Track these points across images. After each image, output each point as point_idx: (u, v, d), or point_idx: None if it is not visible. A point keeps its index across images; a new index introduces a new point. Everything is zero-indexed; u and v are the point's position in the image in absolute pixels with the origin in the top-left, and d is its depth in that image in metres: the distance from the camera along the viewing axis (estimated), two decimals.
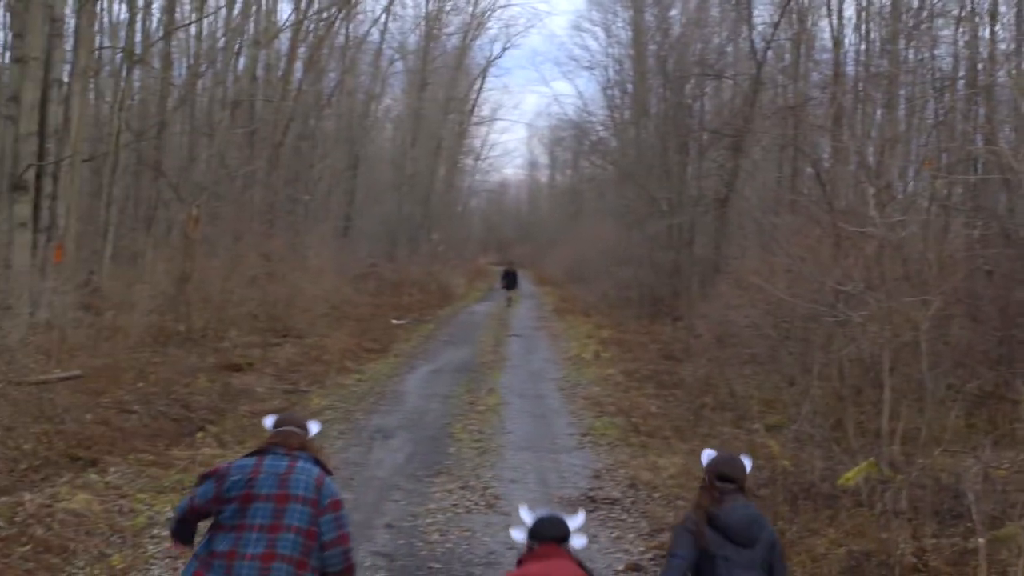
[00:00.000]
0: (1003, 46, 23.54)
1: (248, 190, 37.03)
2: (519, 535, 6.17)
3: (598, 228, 60.61)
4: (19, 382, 14.90)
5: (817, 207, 19.84)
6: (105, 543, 10.31)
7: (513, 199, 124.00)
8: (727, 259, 29.77)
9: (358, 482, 13.46)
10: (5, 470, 12.36)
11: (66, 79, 23.28)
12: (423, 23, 63.17)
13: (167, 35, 34.29)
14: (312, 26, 41.33)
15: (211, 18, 39.19)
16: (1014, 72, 21.35)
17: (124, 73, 32.28)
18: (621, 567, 10.32)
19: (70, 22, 25.81)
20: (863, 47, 31.42)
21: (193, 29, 39.07)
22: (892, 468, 12.07)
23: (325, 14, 41.46)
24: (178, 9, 35.61)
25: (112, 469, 13.14)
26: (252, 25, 39.51)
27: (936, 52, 25.59)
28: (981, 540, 8.81)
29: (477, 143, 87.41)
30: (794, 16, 31.86)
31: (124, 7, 35.41)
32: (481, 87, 75.53)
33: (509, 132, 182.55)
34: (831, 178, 21.22)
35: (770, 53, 33.11)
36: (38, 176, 21.06)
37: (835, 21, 30.42)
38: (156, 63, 34.84)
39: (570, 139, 79.26)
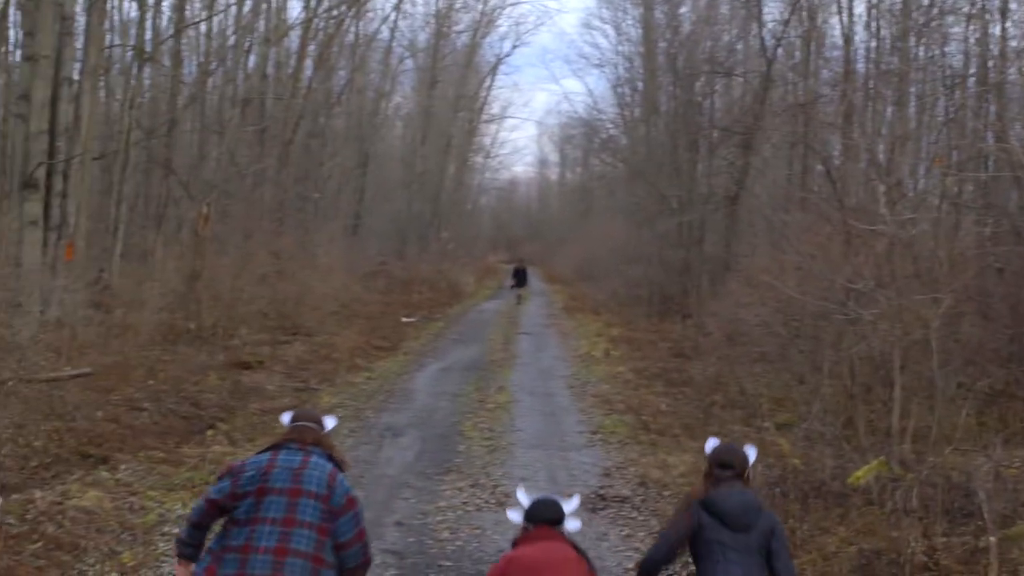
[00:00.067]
0: (1014, 43, 23.48)
1: (258, 188, 37.08)
2: (516, 516, 6.30)
3: (608, 226, 60.57)
4: (30, 379, 14.93)
5: (827, 205, 19.82)
6: (116, 540, 10.32)
7: (523, 197, 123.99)
8: (737, 257, 29.74)
9: (368, 480, 13.46)
10: (16, 467, 12.38)
11: (76, 77, 23.32)
12: (433, 21, 63.22)
13: (177, 33, 34.32)
14: (322, 24, 41.37)
15: (221, 16, 39.28)
16: None
17: (134, 71, 32.35)
18: (631, 565, 10.29)
19: (80, 20, 25.85)
20: (873, 44, 31.35)
21: (203, 27, 39.15)
22: (903, 466, 12.04)
23: (335, 12, 41.47)
24: (188, 7, 35.69)
25: (123, 466, 13.16)
26: (262, 23, 39.62)
27: (947, 49, 25.58)
28: (992, 539, 8.80)
29: (487, 141, 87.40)
30: (804, 13, 31.82)
31: (134, 5, 35.50)
32: (491, 85, 75.53)
33: (519, 130, 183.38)
34: (841, 176, 21.21)
35: (780, 50, 33.09)
36: (49, 174, 21.12)
37: (845, 18, 30.39)
38: (166, 61, 34.87)
39: (580, 137, 79.34)
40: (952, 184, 20.18)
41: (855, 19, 31.34)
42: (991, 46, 23.98)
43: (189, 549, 6.45)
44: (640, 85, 53.53)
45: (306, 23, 40.38)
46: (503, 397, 20.85)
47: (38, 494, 11.28)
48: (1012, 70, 21.91)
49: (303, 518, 6.14)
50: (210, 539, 6.41)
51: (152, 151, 33.66)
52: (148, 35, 34.30)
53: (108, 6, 28.92)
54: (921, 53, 26.42)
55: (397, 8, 54.59)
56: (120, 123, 31.33)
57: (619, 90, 58.43)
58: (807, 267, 16.19)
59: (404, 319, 36.33)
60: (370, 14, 51.17)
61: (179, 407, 16.94)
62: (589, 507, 12.48)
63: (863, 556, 9.57)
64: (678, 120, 40.85)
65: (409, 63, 64.54)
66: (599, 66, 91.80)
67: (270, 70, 40.52)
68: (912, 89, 26.00)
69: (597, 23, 73.46)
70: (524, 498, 6.44)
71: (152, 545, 10.28)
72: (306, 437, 6.54)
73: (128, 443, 14.27)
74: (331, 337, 27.84)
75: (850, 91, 23.95)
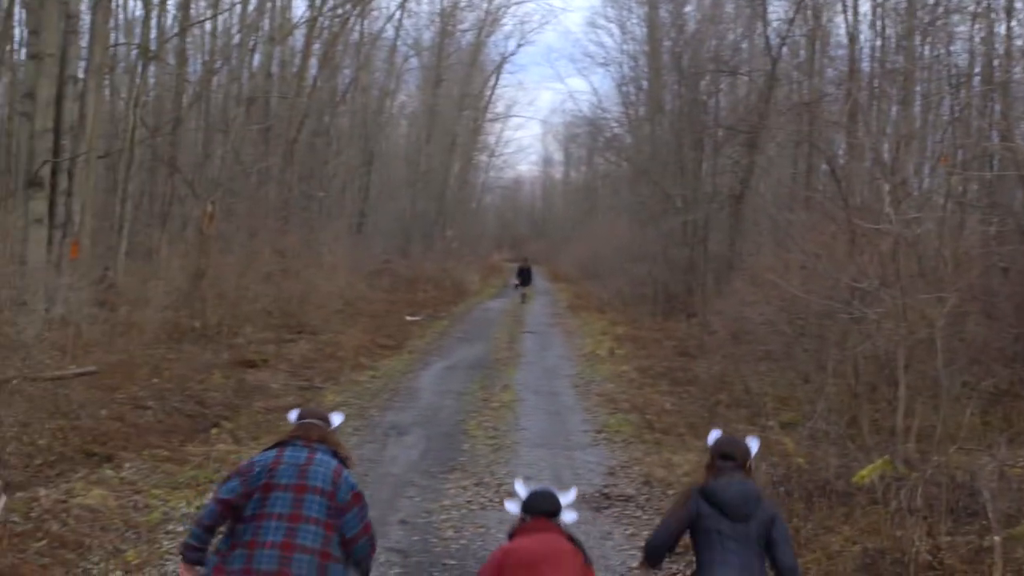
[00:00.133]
0: (1019, 42, 23.56)
1: (263, 186, 37.12)
2: (514, 507, 6.46)
3: (613, 224, 60.55)
4: (34, 378, 14.94)
5: (832, 203, 19.80)
6: (120, 539, 10.33)
7: (527, 195, 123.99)
8: (742, 256, 29.74)
9: (372, 478, 13.46)
10: (21, 466, 12.39)
11: (81, 75, 23.37)
12: (438, 19, 63.27)
13: (182, 31, 34.38)
14: (327, 22, 41.40)
15: (226, 14, 39.34)
16: None
17: (139, 69, 32.38)
18: (635, 564, 10.29)
19: (85, 19, 25.92)
20: (878, 43, 31.38)
21: (208, 25, 39.23)
22: (907, 465, 12.03)
23: (340, 10, 41.51)
24: (193, 5, 35.77)
25: (127, 465, 13.17)
26: (267, 21, 39.66)
27: (952, 48, 25.55)
28: (997, 538, 8.79)
29: (492, 139, 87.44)
30: (809, 12, 31.80)
31: (139, 3, 35.66)
32: (496, 83, 75.52)
33: (524, 128, 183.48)
34: (846, 174, 21.18)
35: (785, 49, 33.05)
36: (53, 172, 21.14)
37: (850, 17, 30.42)
38: (171, 59, 34.93)
39: (585, 135, 79.14)
40: (957, 183, 20.16)
41: (860, 18, 31.30)
42: (996, 45, 23.99)
43: (197, 553, 6.45)
44: (645, 84, 53.52)
45: (311, 22, 40.42)
46: (508, 396, 20.84)
47: (43, 492, 11.29)
48: (1017, 69, 21.91)
49: (309, 514, 6.23)
50: (216, 541, 6.48)
51: (157, 149, 33.70)
52: (153, 33, 34.33)
53: (113, 4, 29.00)
54: (926, 52, 26.42)
55: (402, 7, 54.63)
56: (125, 121, 31.35)
57: (624, 89, 58.42)
58: (812, 266, 16.19)
59: (409, 317, 36.34)
60: (375, 13, 51.28)
61: (183, 405, 16.95)
62: (594, 506, 12.49)
63: (867, 555, 9.56)
64: (683, 119, 40.82)
65: (414, 62, 64.63)
66: (604, 65, 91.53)
67: (275, 69, 40.54)
68: (917, 88, 25.99)
69: (602, 22, 73.67)
70: (522, 489, 6.53)
71: (156, 543, 10.29)
72: (311, 434, 6.65)
73: (132, 441, 14.29)
74: (336, 335, 27.84)
75: (855, 90, 23.90)
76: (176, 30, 34.84)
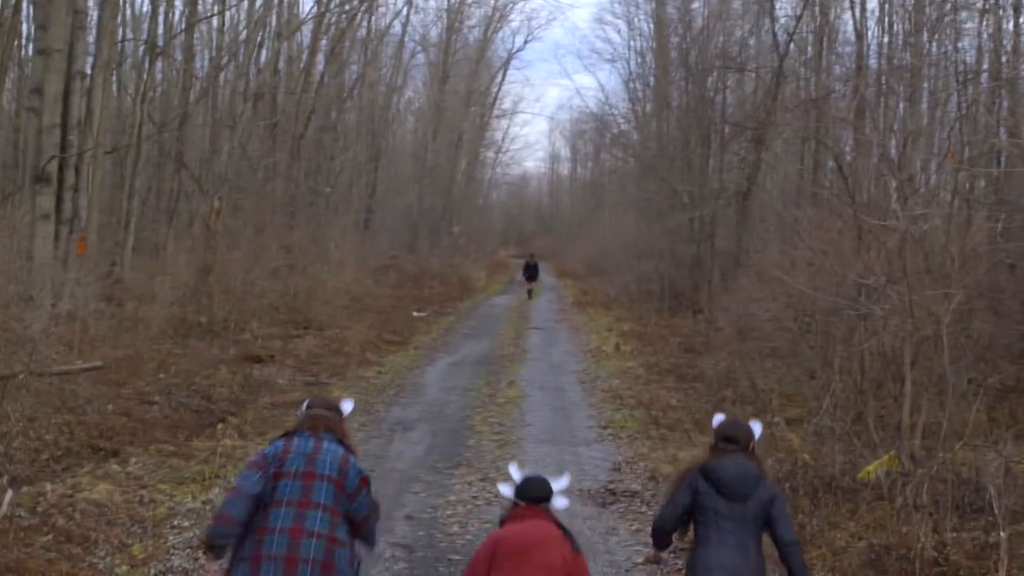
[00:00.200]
0: None
1: (270, 182, 37.15)
2: (507, 491, 6.60)
3: (619, 221, 60.56)
4: (41, 373, 14.95)
5: (839, 200, 19.79)
6: (126, 533, 10.35)
7: (534, 192, 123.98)
8: (748, 252, 29.70)
9: (378, 474, 13.44)
10: (27, 460, 12.41)
11: (89, 71, 23.36)
12: (445, 15, 63.23)
13: (189, 27, 34.40)
14: (334, 18, 41.39)
15: (233, 10, 39.39)
16: None
17: (146, 65, 32.40)
18: (640, 560, 10.30)
19: (93, 14, 25.92)
20: (886, 40, 31.38)
21: (215, 21, 39.24)
22: (913, 462, 12.03)
23: (347, 6, 41.48)
24: (200, 2, 35.79)
25: (133, 460, 13.19)
26: (274, 17, 39.65)
27: (959, 45, 25.55)
28: (1003, 534, 8.79)
29: (498, 136, 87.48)
30: (817, 9, 31.82)
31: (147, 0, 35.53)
32: (503, 80, 75.55)
33: (530, 125, 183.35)
34: (853, 171, 21.18)
35: (792, 46, 33.05)
36: (60, 168, 21.14)
37: (858, 14, 30.36)
38: (178, 55, 34.96)
39: (592, 132, 79.13)
40: (964, 180, 20.14)
41: (868, 14, 31.25)
42: (1004, 41, 23.94)
43: (224, 550, 6.55)
44: (652, 80, 53.49)
45: (318, 18, 40.41)
46: (513, 392, 20.84)
47: (49, 487, 11.32)
48: None
49: (318, 500, 6.46)
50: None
51: (164, 145, 33.73)
52: (160, 29, 34.40)
53: (120, 0, 28.97)
54: (934, 48, 26.42)
55: (409, 3, 54.61)
56: (132, 117, 31.43)
57: (631, 85, 58.46)
58: (818, 263, 16.16)
59: (415, 313, 36.34)
60: (382, 9, 51.26)
61: (190, 401, 16.98)
62: (599, 501, 12.50)
63: (873, 551, 9.57)
64: (690, 115, 40.82)
65: (421, 58, 64.63)
66: (611, 61, 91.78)
67: (282, 64, 40.58)
68: (925, 84, 26.01)
69: (609, 18, 73.58)
70: (516, 474, 6.67)
71: (162, 538, 10.31)
72: (318, 425, 6.86)
73: (139, 436, 14.31)
74: (342, 331, 27.85)
75: (862, 87, 23.91)
76: (183, 26, 34.88)
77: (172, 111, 34.87)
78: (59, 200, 21.21)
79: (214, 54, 38.77)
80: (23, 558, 9.14)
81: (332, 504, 6.51)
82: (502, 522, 6.52)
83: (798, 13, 32.07)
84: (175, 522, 10.86)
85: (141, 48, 34.37)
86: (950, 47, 25.47)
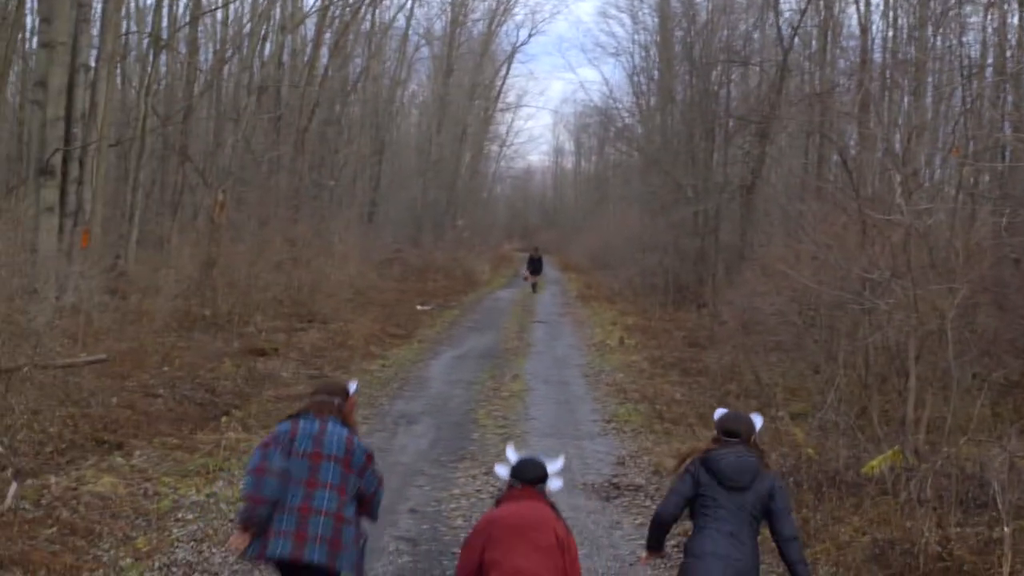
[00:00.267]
0: None
1: (274, 175, 37.15)
2: (503, 472, 6.83)
3: (623, 215, 60.52)
4: (45, 366, 14.97)
5: (843, 194, 19.76)
6: (130, 526, 10.36)
7: (538, 185, 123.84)
8: (753, 246, 29.70)
9: (382, 467, 13.32)
10: (31, 453, 12.43)
11: (93, 64, 23.38)
12: (449, 9, 63.20)
13: (193, 20, 34.39)
14: (338, 12, 41.39)
15: (237, 3, 39.38)
16: None
17: (151, 58, 32.46)
18: (644, 554, 10.29)
19: (97, 7, 25.95)
20: (890, 34, 31.33)
21: (219, 14, 39.28)
22: (917, 457, 12.03)
23: (351, 0, 41.46)
24: None
25: (137, 452, 13.20)
26: (278, 10, 39.63)
27: (964, 39, 25.45)
28: (1006, 529, 8.78)
29: (502, 129, 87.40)
30: (821, 3, 31.77)
31: None
32: (507, 73, 75.46)
33: (535, 118, 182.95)
34: (857, 165, 21.15)
35: (797, 40, 33.03)
36: (65, 161, 21.17)
37: (862, 7, 30.33)
38: (182, 48, 34.95)
39: (596, 126, 79.17)
40: (969, 174, 20.10)
41: (872, 8, 31.26)
42: (1009, 35, 23.84)
43: (259, 528, 6.82)
44: (656, 74, 53.48)
45: (322, 11, 40.40)
46: (517, 385, 20.84)
47: (53, 480, 11.33)
48: None
49: (325, 479, 6.86)
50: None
51: (168, 138, 33.76)
52: (164, 22, 34.42)
53: None
54: (939, 42, 26.36)
55: None
56: (136, 110, 31.44)
57: (635, 79, 58.39)
58: (823, 257, 16.16)
59: (419, 307, 36.34)
60: (386, 2, 51.25)
61: (194, 394, 16.99)
62: (603, 495, 12.51)
63: (877, 546, 9.57)
64: (694, 109, 40.79)
65: (425, 51, 64.66)
66: (615, 55, 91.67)
67: (286, 58, 40.57)
68: (929, 79, 25.93)
69: (613, 11, 73.65)
70: (512, 455, 6.88)
71: (166, 531, 10.32)
72: (323, 408, 7.18)
73: (143, 429, 14.32)
74: (346, 324, 27.85)
75: (867, 80, 23.87)
76: (187, 19, 34.87)
77: (176, 104, 34.90)
78: (63, 193, 21.23)
79: (218, 47, 38.83)
80: (27, 550, 9.16)
81: (339, 483, 6.89)
82: (498, 502, 6.72)
83: (802, 7, 32.04)
84: (179, 515, 10.87)
85: (145, 41, 34.42)
86: (955, 41, 25.39)
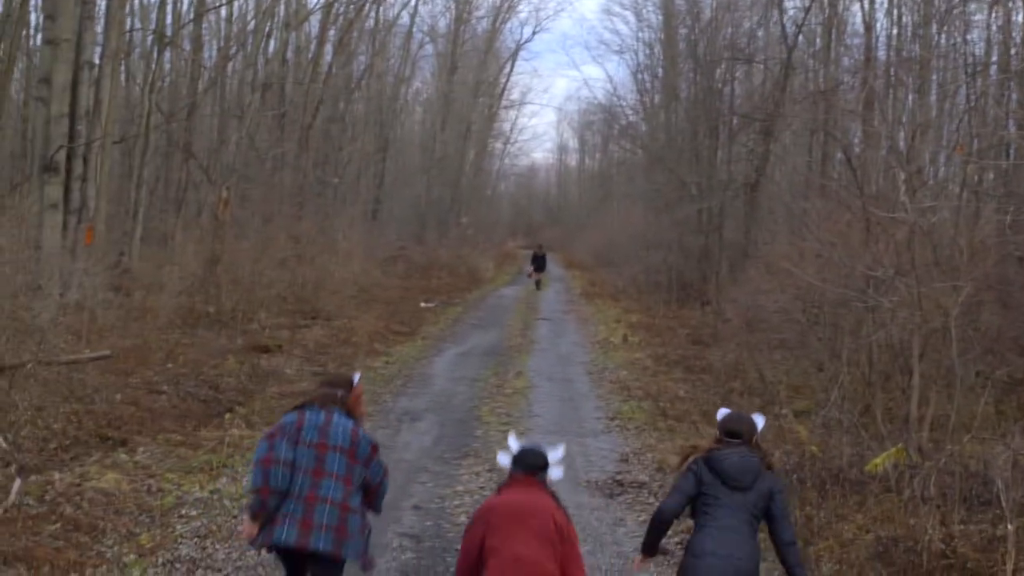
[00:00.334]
0: None
1: (278, 172, 37.17)
2: (504, 460, 6.92)
3: (627, 212, 60.54)
4: (49, 362, 14.99)
5: (847, 192, 19.76)
6: (134, 522, 10.37)
7: (542, 183, 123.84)
8: (757, 244, 29.70)
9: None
10: (35, 449, 12.44)
11: (97, 61, 23.39)
12: (453, 6, 63.24)
13: (198, 17, 34.39)
14: (342, 9, 41.42)
15: (241, 0, 39.32)
16: None
17: (155, 55, 32.44)
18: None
19: (101, 4, 25.93)
20: (895, 32, 31.30)
21: (224, 11, 39.31)
22: (921, 454, 12.02)
23: None
24: None
25: (141, 449, 13.21)
26: (282, 7, 39.64)
27: (969, 37, 25.47)
28: (1010, 527, 8.77)
29: (506, 127, 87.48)
30: (825, 0, 31.71)
31: None
32: (511, 71, 75.50)
33: (539, 116, 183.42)
34: (862, 163, 21.13)
35: (801, 38, 33.00)
36: (69, 158, 21.17)
37: (866, 5, 30.30)
38: (187, 45, 34.99)
39: (600, 123, 79.19)
40: (973, 172, 20.09)
41: (876, 6, 31.17)
42: (1014, 33, 23.85)
43: (268, 515, 7.04)
44: (660, 72, 53.50)
45: (326, 8, 40.43)
46: (521, 383, 20.84)
47: (57, 476, 11.34)
48: None
49: (331, 469, 7.03)
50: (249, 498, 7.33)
51: (172, 135, 33.76)
52: (169, 19, 34.37)
53: None
54: (943, 40, 26.33)
55: None
56: (140, 107, 31.46)
57: (639, 76, 58.43)
58: (827, 254, 16.15)
59: (423, 304, 36.33)
60: None
61: (198, 390, 17.00)
62: (607, 492, 12.51)
63: (880, 543, 9.56)
64: (698, 107, 40.80)
65: (429, 48, 64.69)
66: (619, 52, 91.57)
67: (290, 55, 40.58)
68: (933, 76, 25.92)
69: (617, 9, 73.22)
70: (514, 444, 7.00)
71: (170, 527, 10.32)
72: (327, 400, 7.34)
73: (147, 426, 14.33)
74: (350, 321, 27.87)
75: (871, 78, 23.85)
76: (192, 16, 34.88)
77: (180, 101, 34.90)
78: (67, 190, 21.25)
79: (222, 44, 38.85)
80: (31, 546, 9.16)
81: (345, 473, 7.05)
82: (499, 489, 6.80)
83: (807, 4, 32.01)
84: (183, 511, 10.88)
85: (149, 38, 34.39)
86: (959, 39, 25.40)
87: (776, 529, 6.95)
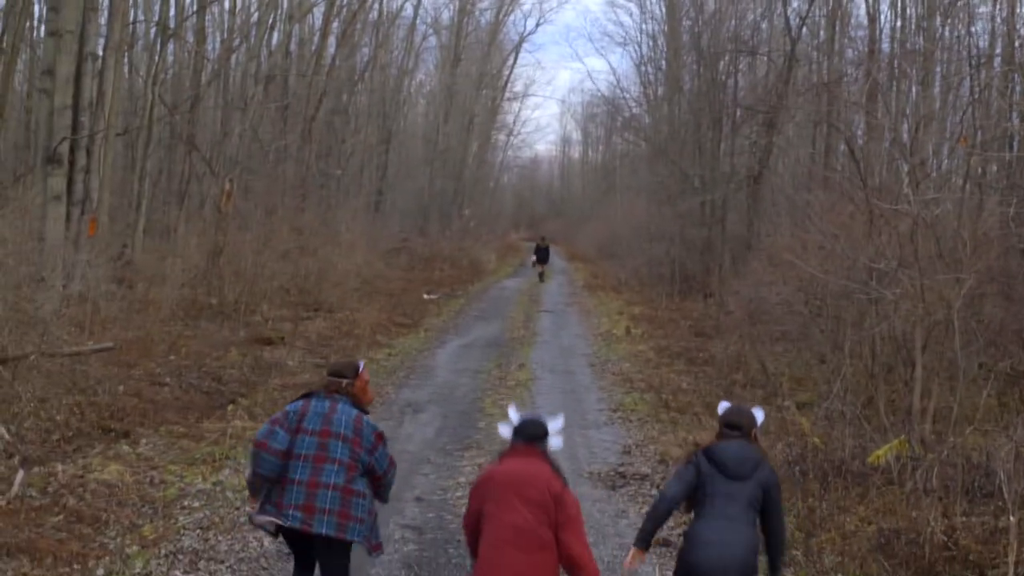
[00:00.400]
0: None
1: (281, 164, 37.16)
2: (505, 431, 7.07)
3: (630, 204, 60.49)
4: (52, 354, 14.99)
5: (851, 184, 19.74)
6: (136, 514, 10.38)
7: (545, 175, 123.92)
8: (759, 236, 29.67)
9: None
10: (38, 441, 12.45)
11: (100, 53, 23.37)
12: None
13: (201, 9, 34.37)
14: (346, 1, 41.34)
15: None
16: None
17: (158, 47, 32.39)
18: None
19: None
20: (899, 24, 31.27)
21: (227, 3, 39.24)
22: (923, 446, 12.03)
23: None
24: None
25: (143, 441, 13.23)
26: (286, 0, 39.58)
27: (973, 28, 25.44)
28: (1012, 519, 8.77)
29: (510, 119, 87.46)
30: None
31: None
32: (514, 63, 75.48)
33: (542, 108, 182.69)
34: (865, 155, 21.12)
35: (805, 30, 32.99)
36: (72, 149, 21.15)
37: None
38: (190, 37, 34.97)
39: (603, 115, 79.22)
40: (976, 164, 20.07)
41: None
42: (1018, 25, 23.77)
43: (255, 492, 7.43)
44: (664, 64, 53.37)
45: (330, 0, 40.36)
46: (524, 374, 20.85)
47: (60, 467, 11.36)
48: None
49: (334, 456, 7.20)
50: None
51: (175, 127, 33.73)
52: (172, 11, 34.36)
53: None
54: (947, 32, 26.32)
55: None
56: (144, 99, 31.45)
57: (642, 69, 58.38)
58: (829, 246, 16.14)
59: (426, 296, 36.33)
60: None
61: (200, 382, 17.02)
62: (609, 484, 12.51)
63: (882, 535, 9.57)
64: (702, 99, 40.72)
65: (432, 40, 64.69)
66: (623, 45, 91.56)
67: (293, 47, 40.61)
68: (937, 68, 25.90)
69: (621, 1, 73.39)
70: (515, 415, 7.12)
71: (172, 519, 10.33)
72: (332, 389, 7.51)
73: (149, 417, 14.35)
74: (352, 313, 27.87)
75: (874, 70, 23.83)
76: (195, 8, 34.88)
77: (184, 93, 34.90)
78: (70, 181, 21.23)
79: (226, 36, 38.77)
80: (34, 538, 9.18)
81: (348, 460, 7.21)
82: (500, 458, 6.95)
83: None
84: (185, 503, 10.89)
85: (153, 30, 34.36)
86: (963, 31, 25.39)
87: (768, 523, 7.11)
